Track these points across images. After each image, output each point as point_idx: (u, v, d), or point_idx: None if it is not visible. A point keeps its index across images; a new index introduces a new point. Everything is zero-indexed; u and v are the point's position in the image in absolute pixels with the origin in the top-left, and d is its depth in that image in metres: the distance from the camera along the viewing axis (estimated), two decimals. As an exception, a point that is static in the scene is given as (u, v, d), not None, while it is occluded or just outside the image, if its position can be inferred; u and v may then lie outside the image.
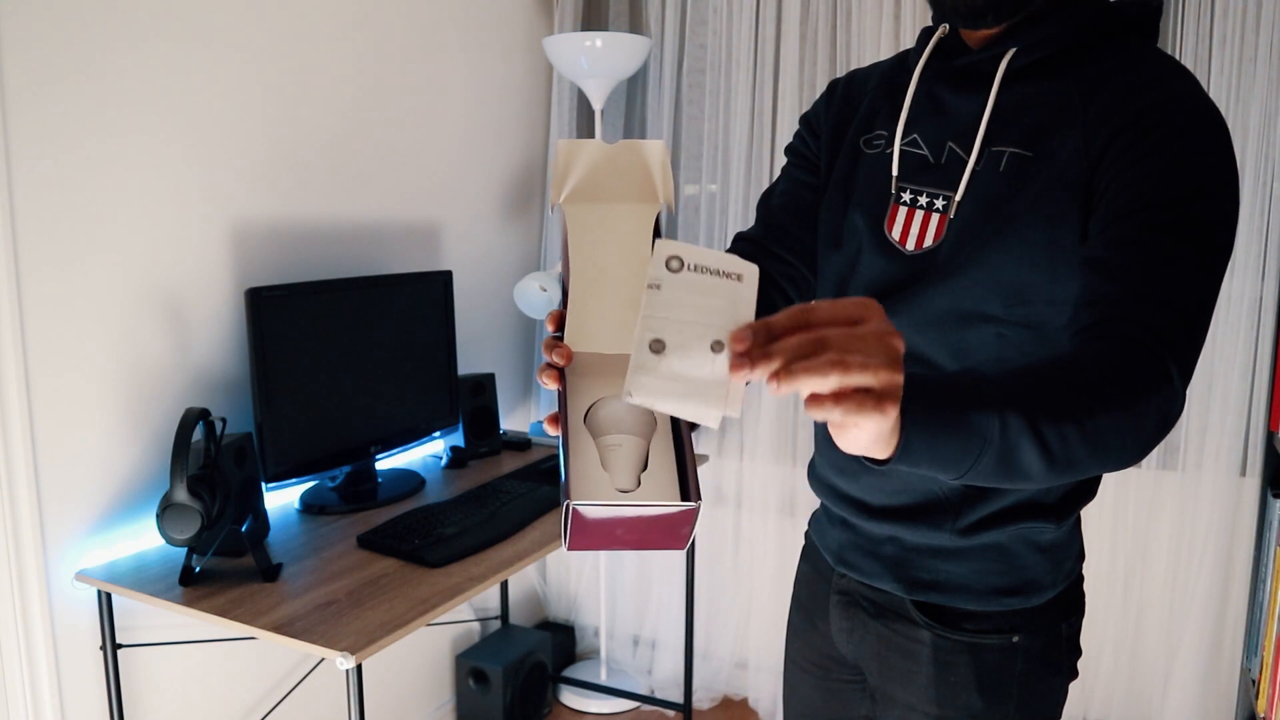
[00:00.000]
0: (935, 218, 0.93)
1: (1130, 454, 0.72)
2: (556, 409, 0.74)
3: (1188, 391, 2.14)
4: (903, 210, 0.96)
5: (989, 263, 0.89)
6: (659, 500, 0.67)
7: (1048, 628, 0.98)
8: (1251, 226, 2.04)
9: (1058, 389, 0.69)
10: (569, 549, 0.69)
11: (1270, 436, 2.04)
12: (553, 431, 0.74)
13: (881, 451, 0.62)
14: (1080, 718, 2.35)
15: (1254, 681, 1.83)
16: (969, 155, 0.92)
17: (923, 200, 0.94)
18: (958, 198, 0.92)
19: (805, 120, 1.12)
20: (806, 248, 1.08)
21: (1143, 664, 2.29)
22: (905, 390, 0.61)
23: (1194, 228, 0.79)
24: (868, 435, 0.60)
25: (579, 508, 0.66)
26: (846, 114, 1.06)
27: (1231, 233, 0.81)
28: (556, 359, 0.74)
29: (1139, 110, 0.84)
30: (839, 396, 0.56)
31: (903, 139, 0.97)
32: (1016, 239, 0.88)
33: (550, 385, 0.74)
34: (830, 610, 1.10)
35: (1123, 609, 2.28)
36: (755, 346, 0.56)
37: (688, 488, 0.69)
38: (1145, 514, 2.24)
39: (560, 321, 0.78)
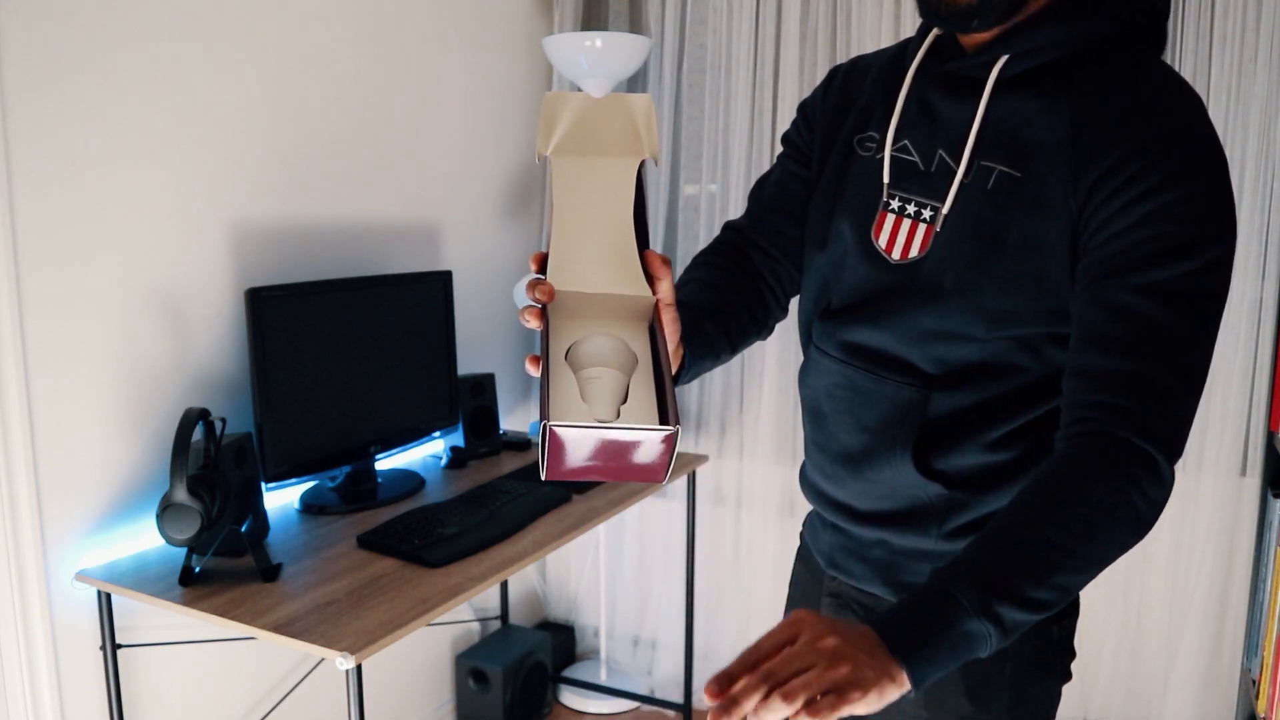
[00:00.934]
0: (921, 228, 0.92)
1: (1127, 547, 0.78)
2: (537, 351, 0.74)
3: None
4: (890, 218, 0.94)
5: (974, 289, 0.88)
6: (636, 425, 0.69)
7: (1038, 631, 0.97)
8: (1251, 226, 2.04)
9: (1039, 548, 0.74)
10: (546, 477, 0.70)
11: (1270, 436, 2.04)
12: (534, 371, 0.75)
13: (896, 693, 0.68)
14: (1080, 718, 2.35)
15: (1254, 681, 1.83)
16: (958, 166, 0.90)
17: (910, 209, 0.93)
18: (945, 210, 0.90)
19: (802, 109, 1.10)
20: (791, 241, 1.07)
21: (1143, 664, 2.29)
22: (892, 639, 0.69)
23: (1185, 286, 0.78)
24: (867, 707, 0.66)
25: (556, 429, 0.67)
26: (843, 107, 1.04)
27: (1226, 278, 0.81)
28: (539, 296, 0.75)
29: (1131, 148, 0.81)
30: (811, 711, 0.63)
31: (894, 144, 0.95)
32: (1003, 269, 0.87)
33: (532, 323, 0.76)
34: (822, 612, 1.09)
35: (1123, 609, 2.28)
36: (721, 694, 0.65)
37: (667, 420, 0.70)
38: (1145, 514, 2.24)
39: (543, 262, 0.78)
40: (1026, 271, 0.86)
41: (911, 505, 0.96)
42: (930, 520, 0.96)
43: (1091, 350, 0.81)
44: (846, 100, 1.04)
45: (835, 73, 1.08)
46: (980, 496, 0.94)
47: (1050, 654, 0.99)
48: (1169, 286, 0.78)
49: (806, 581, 1.14)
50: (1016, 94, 0.88)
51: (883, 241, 0.94)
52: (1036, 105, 0.87)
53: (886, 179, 0.95)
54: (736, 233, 1.11)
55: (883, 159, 0.96)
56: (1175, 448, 0.78)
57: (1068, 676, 1.01)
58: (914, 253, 0.92)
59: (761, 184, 1.12)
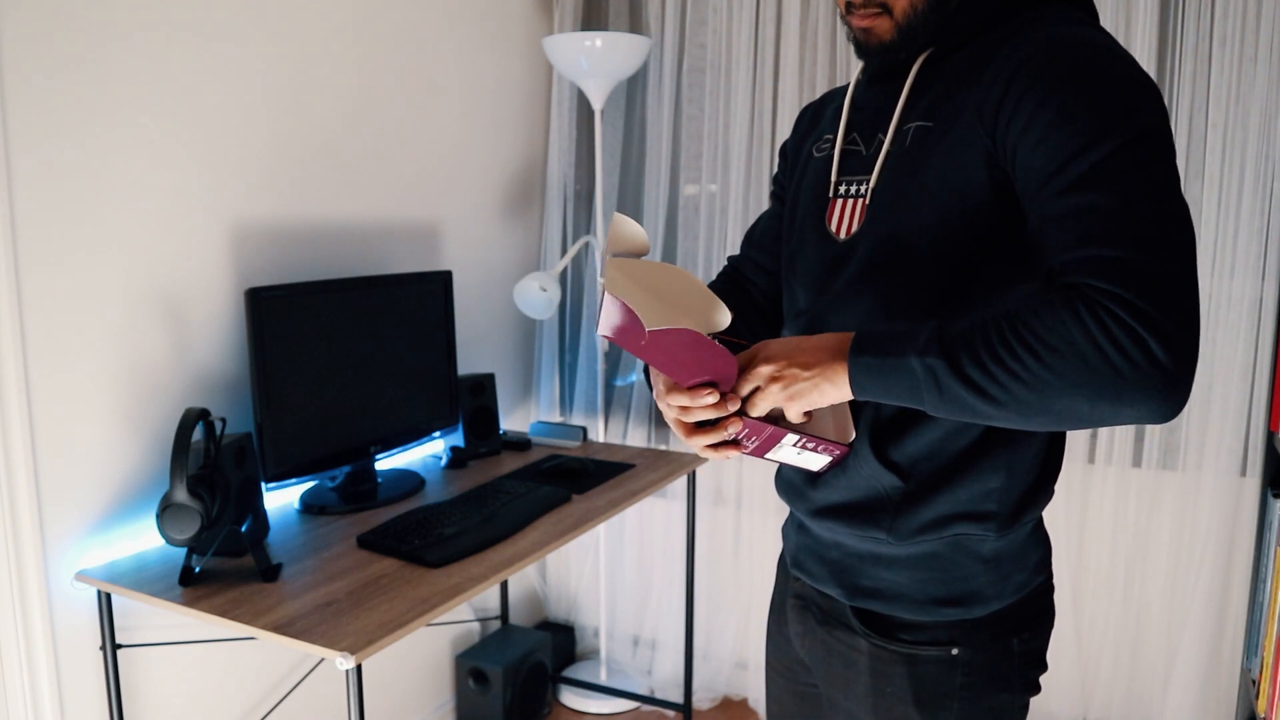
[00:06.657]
0: (859, 204, 0.98)
1: (1092, 390, 0.73)
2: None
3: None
4: (840, 203, 1.01)
5: (903, 213, 0.93)
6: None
7: (994, 641, 0.96)
8: (1252, 226, 2.04)
9: (991, 336, 0.77)
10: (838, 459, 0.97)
11: (1270, 436, 2.04)
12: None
13: (834, 393, 0.86)
14: (1080, 718, 2.36)
15: (1254, 681, 1.83)
16: (886, 138, 0.96)
17: (852, 189, 1.00)
18: (872, 182, 0.96)
19: (781, 150, 1.21)
20: (765, 272, 1.19)
21: (1143, 664, 2.29)
22: (858, 343, 0.85)
23: (1106, 170, 0.77)
24: (809, 403, 0.88)
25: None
26: (809, 132, 1.14)
27: (1154, 150, 0.77)
28: (732, 407, 0.91)
29: (1027, 55, 0.84)
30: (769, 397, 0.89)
31: (844, 140, 1.03)
32: (926, 201, 0.90)
33: (735, 452, 0.95)
34: (788, 614, 1.12)
35: (1123, 609, 2.28)
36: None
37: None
38: (1145, 514, 2.24)
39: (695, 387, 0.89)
40: (949, 201, 0.89)
41: (867, 496, 0.97)
42: (884, 513, 0.96)
43: (1046, 256, 0.80)
44: (814, 126, 1.14)
45: (806, 110, 1.18)
46: (935, 494, 0.94)
47: (1008, 666, 0.97)
48: (1090, 176, 0.77)
49: (780, 583, 1.17)
50: (938, 64, 0.95)
51: (834, 224, 1.01)
52: (951, 67, 0.93)
53: (835, 169, 1.02)
54: (732, 266, 1.24)
55: (833, 155, 1.04)
56: (1165, 307, 0.72)
57: (1034, 689, 1.00)
58: (855, 227, 0.98)
59: (756, 222, 1.23)
